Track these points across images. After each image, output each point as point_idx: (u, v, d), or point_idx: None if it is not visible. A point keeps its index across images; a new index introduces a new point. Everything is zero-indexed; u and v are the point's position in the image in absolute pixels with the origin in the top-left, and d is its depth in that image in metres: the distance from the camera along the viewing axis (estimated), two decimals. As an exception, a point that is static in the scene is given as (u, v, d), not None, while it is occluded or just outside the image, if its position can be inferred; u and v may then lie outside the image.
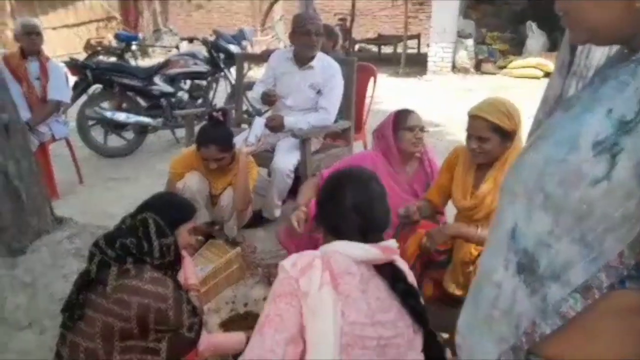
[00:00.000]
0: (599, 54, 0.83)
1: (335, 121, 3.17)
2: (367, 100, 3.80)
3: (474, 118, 1.88)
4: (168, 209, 1.68)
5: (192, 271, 1.94)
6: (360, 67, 3.43)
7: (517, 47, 8.83)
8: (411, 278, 1.33)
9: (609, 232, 0.56)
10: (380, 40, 11.16)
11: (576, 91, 0.82)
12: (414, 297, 1.27)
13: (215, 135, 2.60)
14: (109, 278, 1.51)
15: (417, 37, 10.84)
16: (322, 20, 3.25)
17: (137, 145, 4.89)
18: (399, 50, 9.65)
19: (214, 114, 2.70)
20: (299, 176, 2.96)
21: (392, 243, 1.30)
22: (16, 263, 2.14)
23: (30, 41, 3.57)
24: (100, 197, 3.77)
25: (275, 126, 3.00)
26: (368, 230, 1.28)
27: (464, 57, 8.65)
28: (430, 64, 8.87)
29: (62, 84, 3.72)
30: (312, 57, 3.03)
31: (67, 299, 1.57)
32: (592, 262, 0.58)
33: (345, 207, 1.28)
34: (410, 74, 9.06)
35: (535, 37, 8.56)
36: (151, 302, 1.48)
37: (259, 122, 2.98)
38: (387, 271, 1.26)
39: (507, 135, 1.83)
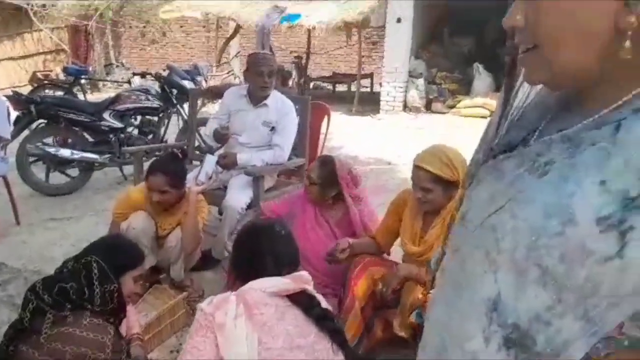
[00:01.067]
0: (521, 94, 0.77)
1: (290, 158, 3.16)
2: (321, 138, 3.82)
3: (417, 168, 1.89)
4: (115, 253, 1.61)
5: (135, 319, 1.83)
6: (314, 105, 3.46)
7: (466, 87, 9.25)
8: (324, 303, 1.45)
9: (613, 306, 0.54)
10: (335, 78, 11.44)
11: (503, 132, 0.76)
12: (329, 319, 1.40)
13: (168, 166, 2.54)
14: (44, 326, 1.41)
15: (370, 76, 11.18)
16: (278, 57, 3.28)
17: (82, 183, 4.68)
18: (353, 88, 9.90)
19: (174, 150, 2.66)
20: (251, 215, 2.89)
21: (303, 273, 1.44)
22: None
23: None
24: (39, 238, 3.53)
25: (228, 163, 2.95)
26: (279, 266, 1.43)
27: (415, 97, 8.95)
28: (383, 103, 9.12)
29: (3, 119, 3.53)
30: (266, 96, 3.03)
31: None
32: (593, 336, 0.55)
33: (255, 253, 1.47)
34: (363, 112, 9.26)
35: (481, 78, 9.00)
36: (88, 351, 1.38)
37: (211, 160, 2.92)
38: (302, 300, 1.38)
39: (450, 185, 1.84)
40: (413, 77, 9.02)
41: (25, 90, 6.81)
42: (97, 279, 1.51)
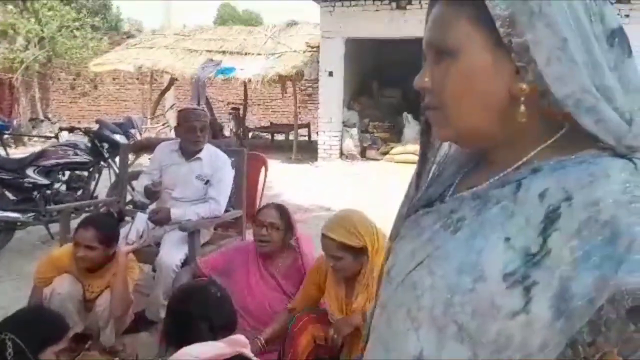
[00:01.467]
0: (442, 150, 0.81)
1: (227, 210, 3.13)
2: (260, 188, 3.84)
3: (324, 237, 1.88)
4: (32, 327, 1.50)
5: None
6: (250, 156, 3.49)
7: (397, 135, 9.72)
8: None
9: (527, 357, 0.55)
10: (273, 128, 11.64)
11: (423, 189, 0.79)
12: None
13: (100, 222, 2.47)
14: None
15: (307, 125, 11.48)
16: (215, 109, 3.32)
17: (2, 244, 4.35)
18: (291, 137, 10.08)
19: (110, 209, 2.57)
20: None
21: (239, 337, 1.44)
22: None
23: None
24: (-49, 306, 3.22)
25: (161, 219, 2.87)
26: (213, 331, 1.42)
27: (350, 145, 9.27)
28: (320, 151, 9.37)
29: None
30: (199, 150, 3.03)
31: None
32: None
33: (188, 318, 1.45)
34: (302, 160, 9.43)
35: (411, 126, 9.50)
36: None
37: (141, 218, 2.83)
38: None
39: (359, 252, 1.84)
40: (347, 126, 9.38)
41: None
42: (12, 358, 1.40)
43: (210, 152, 3.07)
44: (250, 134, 11.10)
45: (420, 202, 0.72)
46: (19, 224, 4.38)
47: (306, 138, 11.31)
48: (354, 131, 9.38)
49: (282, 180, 6.87)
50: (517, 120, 0.58)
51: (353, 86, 9.91)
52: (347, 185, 6.94)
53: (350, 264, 1.86)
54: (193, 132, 2.95)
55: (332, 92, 9.10)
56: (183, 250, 2.81)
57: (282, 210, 2.45)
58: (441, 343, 0.60)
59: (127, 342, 2.61)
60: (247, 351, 1.41)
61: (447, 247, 0.62)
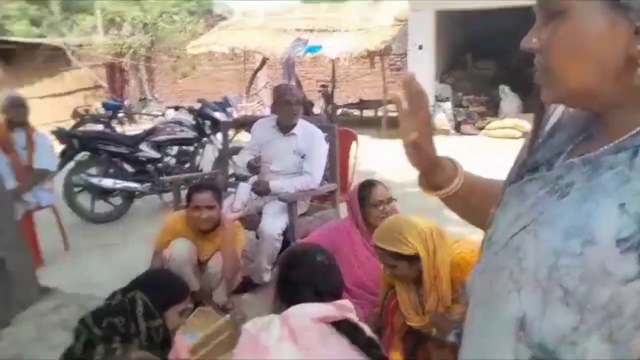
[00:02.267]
0: (553, 118, 0.78)
1: (321, 184, 3.27)
2: (351, 163, 3.92)
3: (376, 247, 1.86)
4: (159, 289, 1.64)
5: (183, 346, 1.89)
6: (342, 132, 3.58)
7: (493, 109, 9.26)
8: (369, 332, 1.46)
9: (639, 329, 0.54)
10: (362, 104, 11.59)
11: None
12: (376, 347, 1.40)
13: (209, 183, 2.76)
14: (94, 358, 1.47)
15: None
16: (304, 87, 3.45)
17: (124, 211, 4.89)
18: (380, 113, 10.01)
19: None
20: (287, 239, 2.99)
21: (346, 302, 1.46)
22: (1, 336, 2.08)
23: (16, 113, 3.65)
24: (87, 264, 3.71)
25: (261, 190, 3.07)
26: (319, 296, 1.45)
27: (443, 119, 9.00)
28: (411, 127, 9.16)
29: (47, 153, 3.76)
30: (294, 125, 3.16)
31: None
32: (621, 358, 0.55)
33: (296, 285, 1.49)
34: (392, 136, 9.31)
35: (508, 99, 9.01)
36: None
37: (245, 188, 3.05)
38: (346, 328, 1.39)
39: (413, 258, 1.78)
40: (439, 100, 9.10)
41: (68, 125, 7.15)
42: (142, 315, 1.55)
43: (304, 128, 3.20)
44: (339, 111, 11.19)
45: (526, 166, 0.70)
46: (137, 193, 4.89)
47: (396, 114, 11.10)
48: (447, 105, 9.09)
49: (372, 157, 6.90)
50: (635, 84, 0.56)
51: (445, 59, 9.56)
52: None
53: (406, 271, 1.82)
54: (287, 105, 3.10)
55: (422, 66, 8.86)
56: (283, 220, 2.99)
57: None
58: (545, 306, 0.59)
59: (236, 302, 2.85)
60: (353, 316, 1.46)
61: (553, 211, 0.61)
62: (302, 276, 1.51)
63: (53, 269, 3.52)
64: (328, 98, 10.63)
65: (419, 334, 1.93)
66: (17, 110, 3.64)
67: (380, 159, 7.12)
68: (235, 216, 2.75)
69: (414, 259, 1.77)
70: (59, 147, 4.57)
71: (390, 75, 11.77)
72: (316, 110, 9.95)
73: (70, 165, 4.70)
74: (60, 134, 4.71)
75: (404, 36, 9.23)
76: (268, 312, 2.71)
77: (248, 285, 3.03)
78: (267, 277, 3.03)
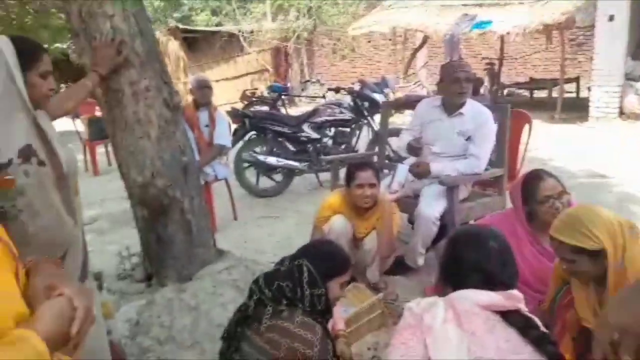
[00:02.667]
0: None
1: (486, 169, 3.04)
2: (521, 148, 3.58)
3: (552, 239, 1.63)
4: (324, 260, 1.69)
5: (339, 317, 1.94)
6: (514, 113, 3.27)
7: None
8: (542, 327, 1.35)
9: None
10: (533, 84, 10.58)
11: None
12: (550, 343, 1.29)
13: (369, 162, 2.77)
14: (264, 316, 1.58)
15: (576, 80, 10.03)
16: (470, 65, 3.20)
17: (284, 187, 5.23)
18: (554, 94, 9.02)
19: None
20: (444, 224, 2.85)
21: (515, 292, 1.36)
22: (184, 288, 2.38)
23: (202, 94, 4.09)
24: (252, 233, 4.05)
25: (420, 172, 2.96)
26: (491, 283, 1.35)
27: (635, 102, 7.74)
28: (593, 110, 8.09)
29: (225, 131, 4.16)
30: (462, 104, 2.97)
31: (227, 329, 1.68)
32: None
33: (464, 268, 1.40)
34: (567, 120, 8.38)
35: None
36: (299, 346, 1.51)
37: (403, 169, 2.95)
38: (516, 319, 1.31)
39: (597, 254, 1.53)
40: (631, 79, 7.82)
41: (237, 106, 7.87)
42: (307, 282, 1.62)
43: (472, 108, 2.98)
44: (505, 91, 10.38)
45: None
46: (296, 171, 5.17)
47: (573, 94, 9.94)
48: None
49: (543, 142, 6.27)
50: None
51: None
52: (628, 150, 5.88)
53: (587, 268, 1.59)
54: (457, 83, 2.90)
55: (612, 39, 7.69)
56: (442, 204, 2.85)
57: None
58: None
59: (389, 282, 2.83)
60: (523, 307, 1.35)
61: None
62: (473, 260, 1.39)
63: (224, 235, 3.92)
64: (494, 77, 9.92)
65: (592, 335, 1.70)
66: (203, 91, 4.08)
67: (553, 145, 6.42)
68: (393, 197, 2.71)
69: (597, 254, 1.56)
70: (233, 126, 5.05)
71: (570, 51, 10.51)
72: (480, 89, 9.37)
73: (240, 143, 5.15)
74: (235, 114, 5.19)
75: (590, 7, 8.10)
76: (420, 296, 2.68)
77: (400, 268, 2.99)
78: (420, 261, 2.95)
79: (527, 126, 3.57)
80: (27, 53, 1.48)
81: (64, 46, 10.48)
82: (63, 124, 1.58)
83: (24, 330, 0.68)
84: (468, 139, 2.95)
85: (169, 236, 2.46)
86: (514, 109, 3.34)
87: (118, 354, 1.76)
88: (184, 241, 2.46)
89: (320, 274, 1.64)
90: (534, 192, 2.08)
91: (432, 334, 1.27)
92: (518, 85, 11.02)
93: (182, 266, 2.47)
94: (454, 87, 2.92)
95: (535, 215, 2.14)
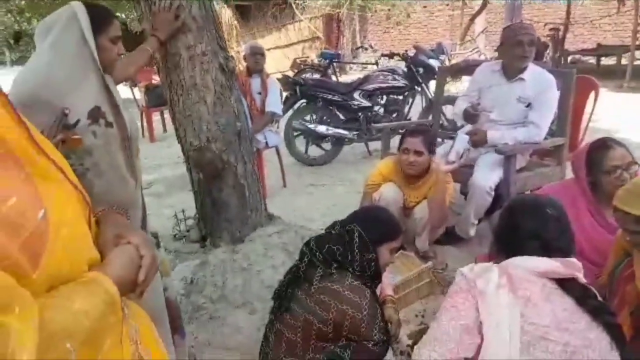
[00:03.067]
0: None
1: (545, 138, 2.90)
2: (585, 117, 3.39)
3: (616, 210, 1.53)
4: (375, 225, 1.70)
5: (388, 282, 1.95)
6: (579, 79, 3.07)
7: None
8: (599, 297, 1.32)
9: None
10: (600, 50, 9.88)
11: None
12: (607, 313, 1.26)
13: (424, 130, 2.73)
14: (315, 278, 1.61)
15: (650, 47, 9.26)
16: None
17: (334, 156, 5.22)
18: (624, 61, 8.41)
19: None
20: (499, 195, 2.77)
21: (573, 260, 1.32)
22: (237, 250, 2.46)
23: (255, 61, 4.10)
24: (300, 200, 4.11)
25: (477, 141, 2.86)
26: (548, 250, 1.32)
27: None
28: (666, 78, 7.51)
29: (277, 99, 4.18)
30: (523, 69, 2.82)
31: (277, 289, 1.73)
32: None
33: (521, 236, 1.36)
34: (637, 89, 7.82)
35: None
36: (348, 309, 1.53)
37: (462, 139, 2.85)
38: (573, 287, 1.28)
39: None
40: None
41: (288, 74, 7.86)
42: (357, 247, 1.64)
43: (534, 73, 2.83)
44: (569, 58, 9.77)
45: None
46: (346, 140, 5.14)
47: (643, 62, 9.23)
48: None
49: (610, 111, 5.90)
50: None
51: None
52: None
53: None
54: (520, 46, 2.75)
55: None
56: (497, 174, 2.76)
57: None
58: None
59: (438, 251, 2.81)
60: (581, 276, 1.31)
61: None
62: (530, 227, 1.37)
63: (273, 201, 3.99)
64: (557, 43, 9.34)
65: None
66: (256, 58, 4.10)
67: (619, 115, 6.03)
68: (449, 168, 2.64)
69: None
70: (284, 94, 5.05)
71: (643, 14, 9.69)
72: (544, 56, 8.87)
73: (290, 112, 5.16)
74: (286, 82, 5.18)
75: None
76: (466, 264, 2.64)
77: (450, 238, 2.95)
78: (472, 231, 2.89)
79: (592, 94, 3.36)
80: (99, 18, 1.54)
81: (123, 15, 10.77)
82: (122, 92, 1.65)
83: (97, 273, 0.73)
84: (528, 105, 2.82)
85: (223, 199, 2.53)
86: (580, 75, 3.14)
87: (173, 311, 1.85)
88: (237, 204, 2.53)
89: (371, 239, 1.66)
90: (601, 162, 1.96)
91: (484, 299, 1.26)
92: (584, 52, 10.32)
93: (235, 228, 2.55)
94: (515, 50, 2.77)
95: (598, 186, 2.03)
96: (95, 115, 1.50)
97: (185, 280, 2.42)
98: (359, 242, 1.65)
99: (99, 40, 1.53)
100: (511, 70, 2.86)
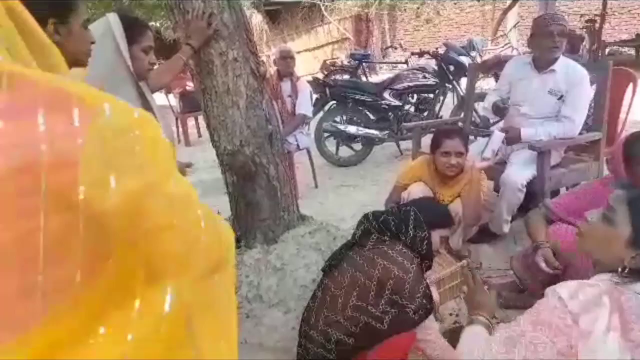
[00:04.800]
0: None
1: (581, 133, 2.84)
2: (623, 110, 3.29)
3: None
4: (429, 210, 1.85)
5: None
6: (616, 71, 2.99)
7: None
8: None
9: None
10: (639, 41, 9.52)
11: None
12: None
13: (458, 130, 2.73)
14: (368, 243, 1.76)
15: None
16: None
17: (364, 156, 5.23)
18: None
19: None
20: (531, 192, 2.72)
21: None
22: (270, 250, 2.51)
23: (285, 64, 4.17)
24: (332, 201, 4.14)
25: (510, 138, 2.82)
26: None
27: None
28: None
29: (307, 101, 4.23)
30: (554, 60, 2.77)
31: (332, 253, 1.90)
32: None
33: None
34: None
35: None
36: (395, 268, 1.63)
37: (498, 136, 2.80)
38: None
39: None
40: None
41: (318, 77, 7.89)
42: (412, 223, 1.77)
43: (566, 65, 2.78)
44: (607, 50, 9.45)
45: None
46: (376, 140, 5.14)
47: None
48: None
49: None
50: None
51: None
52: None
53: None
54: (550, 37, 2.70)
55: None
56: (530, 170, 2.72)
57: None
58: None
59: (472, 250, 2.79)
60: None
61: None
62: None
63: (305, 203, 4.03)
64: (594, 35, 9.05)
65: None
66: (286, 62, 4.16)
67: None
68: (484, 165, 2.62)
69: None
70: (314, 96, 5.09)
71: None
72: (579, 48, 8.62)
73: (320, 113, 5.20)
74: (315, 84, 5.22)
75: None
76: (504, 264, 2.61)
77: (484, 236, 2.92)
78: (506, 228, 2.85)
79: (630, 86, 3.26)
80: (133, 29, 1.63)
81: (157, 24, 11.08)
82: (157, 98, 1.74)
83: None
84: (560, 98, 2.76)
85: (257, 200, 2.59)
86: (616, 67, 3.06)
87: None
88: (270, 205, 2.58)
89: (426, 222, 1.78)
90: (638, 155, 1.91)
91: (587, 342, 1.03)
92: (622, 42, 9.97)
93: (268, 229, 2.60)
94: (545, 41, 2.73)
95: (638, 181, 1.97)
96: None
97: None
98: (414, 219, 1.78)
99: (132, 51, 1.62)
100: (542, 62, 2.81)
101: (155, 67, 1.87)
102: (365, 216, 1.88)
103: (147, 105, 1.65)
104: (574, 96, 2.73)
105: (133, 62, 1.62)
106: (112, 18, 1.59)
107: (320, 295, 1.76)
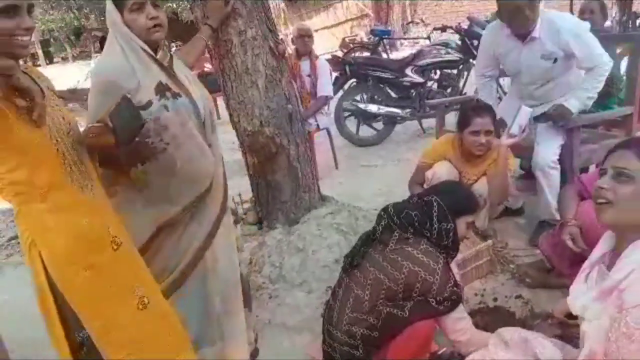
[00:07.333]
0: None
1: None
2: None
3: None
4: (454, 198, 1.75)
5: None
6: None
7: None
8: None
9: None
10: (675, 10, 9.09)
11: None
12: None
13: (487, 107, 2.56)
14: (390, 240, 1.67)
15: None
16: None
17: (385, 136, 5.15)
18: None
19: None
20: (564, 169, 2.61)
21: None
22: (292, 231, 2.51)
23: (303, 43, 4.10)
24: (352, 181, 4.11)
25: (559, 115, 2.55)
26: None
27: None
28: None
29: (328, 81, 4.17)
30: (531, 30, 2.54)
31: (352, 249, 1.79)
32: None
33: None
34: None
35: None
36: (421, 271, 1.58)
37: (525, 112, 2.68)
38: None
39: None
40: None
41: (337, 54, 7.76)
42: (436, 216, 1.68)
43: (543, 25, 2.52)
44: (638, 21, 9.04)
45: None
46: (398, 118, 5.05)
47: None
48: None
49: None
50: None
51: None
52: None
53: None
54: (519, 12, 2.47)
55: None
56: (557, 145, 2.59)
57: None
58: None
59: (497, 229, 2.73)
60: None
61: None
62: None
63: (325, 182, 4.00)
64: (624, 5, 8.66)
65: None
66: (304, 40, 4.09)
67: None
68: (510, 141, 2.48)
69: None
70: (334, 75, 5.01)
71: None
72: (607, 22, 8.29)
73: (340, 92, 5.11)
74: (335, 62, 5.13)
75: None
76: (526, 243, 2.55)
77: (510, 215, 2.85)
78: (557, 214, 2.73)
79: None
80: None
81: (174, 5, 11.04)
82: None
83: None
84: (555, 61, 2.56)
85: (277, 182, 2.58)
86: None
87: (244, 284, 1.98)
88: (291, 186, 2.57)
89: (450, 210, 1.70)
90: None
91: None
92: (656, 12, 9.53)
93: (290, 210, 2.60)
94: (515, 18, 2.50)
95: None
96: (160, 89, 1.58)
97: (244, 261, 2.50)
98: (438, 211, 1.69)
99: (124, 17, 1.57)
100: (519, 35, 2.60)
101: (173, 48, 1.85)
102: (385, 210, 1.76)
103: (169, 73, 1.63)
104: (576, 43, 2.48)
105: (131, 28, 1.57)
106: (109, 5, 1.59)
107: (342, 295, 1.70)
